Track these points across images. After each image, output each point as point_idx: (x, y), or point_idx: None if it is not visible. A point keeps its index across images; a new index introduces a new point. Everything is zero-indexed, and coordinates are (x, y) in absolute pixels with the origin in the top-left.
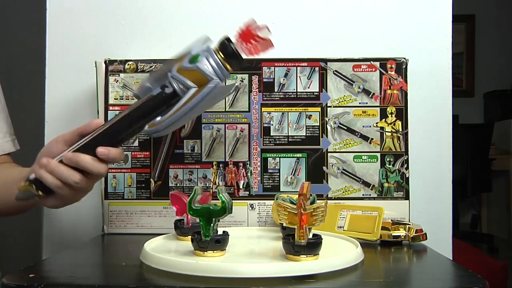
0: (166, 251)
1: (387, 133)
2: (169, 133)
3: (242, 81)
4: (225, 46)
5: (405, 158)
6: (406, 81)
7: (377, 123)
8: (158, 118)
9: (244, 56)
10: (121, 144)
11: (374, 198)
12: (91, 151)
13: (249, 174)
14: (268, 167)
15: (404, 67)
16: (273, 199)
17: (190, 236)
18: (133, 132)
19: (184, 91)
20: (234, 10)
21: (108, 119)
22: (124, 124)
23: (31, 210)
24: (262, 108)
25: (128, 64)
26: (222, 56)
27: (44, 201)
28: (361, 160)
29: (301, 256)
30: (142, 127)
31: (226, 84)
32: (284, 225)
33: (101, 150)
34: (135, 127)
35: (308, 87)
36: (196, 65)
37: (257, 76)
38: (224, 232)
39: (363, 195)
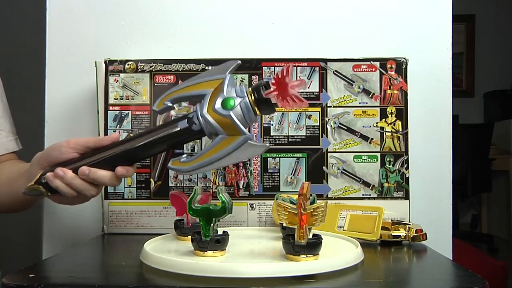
0: (166, 251)
1: (387, 133)
2: (189, 174)
3: (242, 81)
4: (260, 92)
5: (405, 158)
6: (406, 81)
7: (377, 123)
8: (184, 158)
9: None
10: (136, 163)
11: (374, 198)
12: (107, 166)
13: (249, 174)
14: (268, 167)
15: (404, 67)
16: (273, 199)
17: (190, 236)
18: (150, 156)
19: (212, 133)
20: (234, 10)
21: (108, 119)
22: (145, 149)
23: (35, 205)
24: None
25: (128, 64)
26: (254, 100)
27: (53, 199)
28: (361, 160)
29: (301, 256)
30: (159, 153)
31: (256, 141)
32: (284, 225)
33: (121, 170)
34: (154, 152)
35: (308, 87)
36: (229, 113)
37: (257, 76)
38: (224, 232)
39: (363, 195)
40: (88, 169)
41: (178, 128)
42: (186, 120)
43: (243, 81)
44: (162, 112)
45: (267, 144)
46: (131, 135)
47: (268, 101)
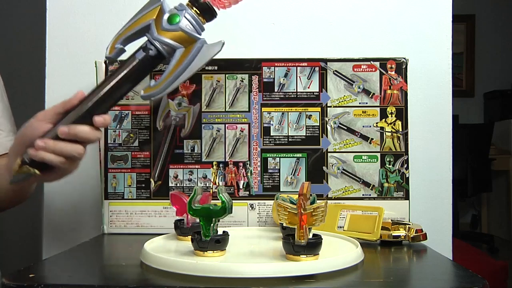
0: (166, 251)
1: (387, 133)
2: (164, 95)
3: (242, 81)
4: (198, 1)
5: (405, 158)
6: (406, 81)
7: (377, 123)
8: (153, 82)
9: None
10: (110, 109)
11: (374, 198)
12: (84, 121)
13: (249, 174)
14: (268, 167)
15: (404, 67)
16: (273, 199)
17: (190, 236)
18: (121, 97)
19: (170, 52)
20: (234, 10)
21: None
22: (115, 91)
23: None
24: (262, 108)
25: None
26: (197, 11)
27: (42, 178)
28: (361, 160)
29: (301, 256)
30: (129, 91)
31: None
32: (284, 225)
33: (98, 119)
34: (123, 92)
35: (308, 87)
36: (178, 26)
37: (257, 76)
38: (224, 232)
39: (363, 195)
40: (67, 127)
41: (137, 60)
42: (141, 50)
43: (243, 81)
44: (116, 57)
45: (222, 41)
46: (132, 135)
47: (208, 6)
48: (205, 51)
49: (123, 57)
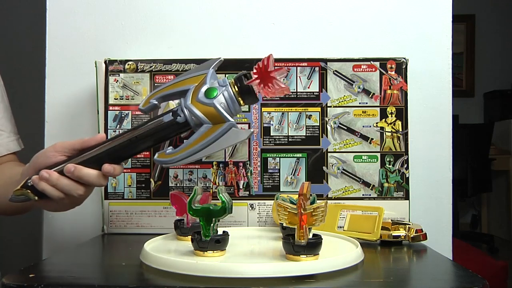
0: (166, 251)
1: (387, 133)
2: (176, 166)
3: None
4: (242, 82)
5: (405, 158)
6: (406, 81)
7: (377, 123)
8: (169, 150)
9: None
10: (124, 161)
11: (374, 198)
12: (93, 165)
13: (249, 174)
14: (268, 167)
15: (404, 67)
16: (273, 199)
17: (190, 236)
18: (137, 152)
19: (197, 124)
20: (234, 10)
21: (108, 119)
22: (131, 145)
23: (31, 210)
24: (262, 108)
25: (128, 64)
26: (237, 90)
27: (41, 205)
28: (361, 160)
29: (301, 256)
30: (147, 150)
31: (240, 127)
32: (284, 225)
33: (107, 167)
34: (141, 148)
35: (308, 87)
36: (212, 102)
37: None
38: (224, 232)
39: (363, 195)
40: (73, 167)
41: (163, 122)
42: (171, 113)
43: None
44: (148, 111)
45: (252, 130)
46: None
47: (251, 90)
48: (230, 135)
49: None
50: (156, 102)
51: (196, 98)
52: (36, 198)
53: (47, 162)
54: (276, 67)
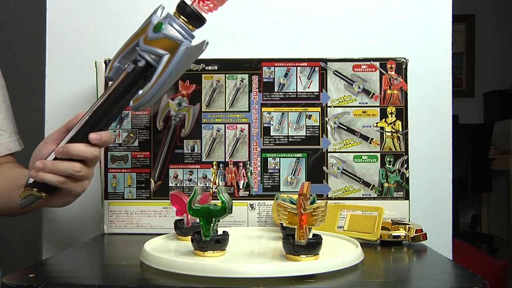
0: (166, 251)
1: (387, 133)
2: (153, 103)
3: (242, 81)
4: (183, 8)
5: (405, 158)
6: (406, 81)
7: (377, 123)
8: (140, 92)
9: (204, 15)
10: (109, 126)
11: (374, 198)
12: (82, 140)
13: (249, 174)
14: (268, 167)
15: (404, 67)
16: (273, 199)
17: (190, 236)
18: (118, 112)
19: (158, 60)
20: (234, 10)
21: None
22: (107, 107)
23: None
24: (262, 108)
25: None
26: (184, 19)
27: (51, 202)
28: (361, 160)
29: (301, 256)
30: (125, 105)
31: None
32: (284, 225)
33: (93, 136)
34: (118, 106)
35: (308, 87)
36: (162, 32)
37: (257, 76)
38: (224, 232)
39: (363, 195)
40: (61, 147)
41: (126, 72)
42: (131, 62)
43: (243, 81)
44: (114, 76)
45: (206, 40)
46: (132, 135)
47: (194, 12)
48: (189, 53)
49: None
50: (119, 65)
51: (147, 37)
52: (43, 194)
53: (41, 156)
54: None
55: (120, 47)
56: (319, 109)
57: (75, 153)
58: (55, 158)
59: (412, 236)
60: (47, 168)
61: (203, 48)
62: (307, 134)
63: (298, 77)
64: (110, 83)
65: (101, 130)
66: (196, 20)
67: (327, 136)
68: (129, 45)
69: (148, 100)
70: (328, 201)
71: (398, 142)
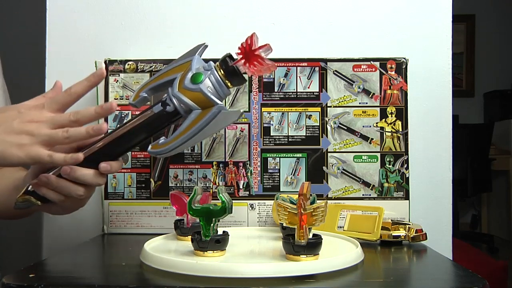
0: (166, 251)
1: (387, 133)
2: (171, 155)
3: None
4: (227, 64)
5: (405, 158)
6: (406, 81)
7: (377, 123)
8: (162, 140)
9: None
10: (120, 156)
11: (374, 198)
12: (90, 164)
13: (249, 174)
14: (268, 167)
15: (404, 67)
16: (273, 199)
17: (190, 236)
18: (133, 147)
19: (187, 111)
20: (234, 10)
21: (108, 120)
22: (125, 140)
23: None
24: (262, 108)
25: (128, 64)
26: (223, 73)
27: (47, 209)
28: (361, 160)
29: (301, 256)
30: (142, 142)
31: (230, 109)
32: (284, 225)
33: (103, 165)
34: (136, 141)
35: (308, 87)
36: (199, 87)
37: (257, 76)
38: (224, 232)
39: (363, 195)
40: (70, 168)
41: (153, 113)
42: (160, 103)
43: None
44: (139, 104)
45: (241, 110)
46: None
47: (237, 71)
48: (221, 118)
49: None
50: (146, 95)
51: (183, 85)
52: (39, 203)
53: (46, 166)
54: (260, 45)
55: (151, 78)
56: (319, 109)
57: (82, 178)
58: (60, 175)
59: (412, 236)
60: (51, 185)
61: (237, 118)
62: (307, 134)
63: (298, 77)
64: (132, 117)
65: (112, 159)
66: (236, 79)
67: (327, 136)
68: (161, 79)
69: (167, 152)
70: (328, 201)
71: (398, 142)
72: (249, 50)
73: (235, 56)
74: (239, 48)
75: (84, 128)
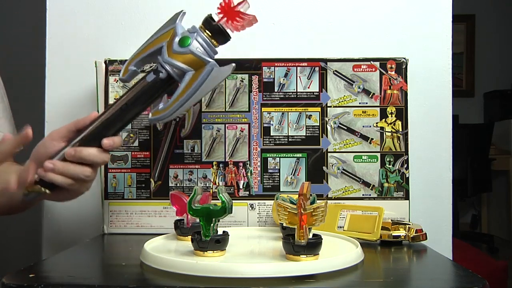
0: (166, 251)
1: (387, 133)
2: (172, 119)
3: (242, 81)
4: (210, 24)
5: (405, 158)
6: (406, 81)
7: (377, 123)
8: (161, 105)
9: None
10: (120, 131)
11: (374, 198)
12: (93, 143)
13: (249, 174)
14: (268, 167)
15: (404, 67)
16: (273, 199)
17: (190, 236)
18: (132, 119)
19: (180, 75)
20: None
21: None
22: (124, 113)
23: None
24: (262, 108)
25: None
26: (209, 34)
27: (53, 197)
28: (361, 160)
29: (301, 256)
30: (140, 113)
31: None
32: (284, 225)
33: (107, 142)
34: (134, 113)
35: (308, 87)
36: (188, 48)
37: (257, 76)
38: (224, 232)
39: (363, 195)
40: (73, 150)
41: (147, 82)
42: (152, 72)
43: (243, 81)
44: (129, 79)
45: (233, 64)
46: (132, 135)
47: (221, 29)
48: (214, 74)
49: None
50: (135, 68)
51: (172, 50)
52: (47, 191)
53: (48, 153)
54: (237, 1)
55: (137, 50)
56: (319, 109)
57: (88, 158)
58: (64, 159)
59: (412, 236)
60: (57, 170)
61: (230, 72)
62: (307, 134)
63: (298, 77)
64: (127, 89)
65: (114, 135)
66: (221, 37)
67: (327, 136)
68: (148, 50)
69: (168, 115)
70: (328, 201)
71: (398, 142)
72: (228, 8)
73: (215, 17)
74: (218, 8)
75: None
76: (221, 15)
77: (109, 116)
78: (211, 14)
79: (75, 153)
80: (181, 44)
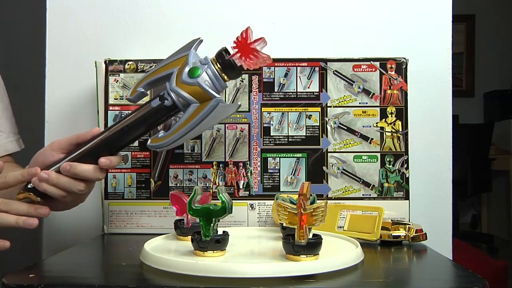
0: (166, 251)
1: (387, 133)
2: (171, 148)
3: (242, 81)
4: (223, 57)
5: (405, 158)
6: (406, 81)
7: (377, 123)
8: (161, 134)
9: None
10: (119, 151)
11: (374, 198)
12: (90, 159)
13: (249, 174)
14: (268, 167)
15: (404, 67)
16: (273, 199)
17: (190, 236)
18: (132, 141)
19: (185, 105)
20: (234, 10)
21: (108, 120)
22: (124, 134)
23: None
24: (262, 108)
25: (128, 64)
26: (220, 67)
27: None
28: (361, 160)
29: (301, 256)
30: (141, 136)
31: (228, 101)
32: (284, 225)
33: (103, 161)
34: (134, 136)
35: (308, 87)
36: (197, 81)
37: (257, 76)
38: (224, 232)
39: (363, 195)
40: (69, 165)
41: (151, 107)
42: (158, 98)
43: (243, 81)
44: (136, 99)
45: (239, 103)
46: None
47: (233, 64)
48: (219, 110)
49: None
50: (143, 90)
51: (181, 79)
52: (39, 199)
53: (46, 162)
54: (255, 39)
55: (148, 73)
56: (319, 109)
57: (82, 174)
58: (59, 171)
59: (412, 236)
60: (51, 181)
61: (235, 110)
62: (307, 134)
63: (298, 77)
64: (131, 111)
65: (111, 154)
66: (232, 72)
67: (327, 136)
68: (158, 73)
69: (167, 145)
70: (328, 201)
71: (398, 142)
72: (244, 44)
73: (230, 51)
74: (234, 42)
75: (14, 218)
76: (235, 50)
77: (109, 135)
78: (225, 47)
79: (70, 168)
80: (190, 74)
